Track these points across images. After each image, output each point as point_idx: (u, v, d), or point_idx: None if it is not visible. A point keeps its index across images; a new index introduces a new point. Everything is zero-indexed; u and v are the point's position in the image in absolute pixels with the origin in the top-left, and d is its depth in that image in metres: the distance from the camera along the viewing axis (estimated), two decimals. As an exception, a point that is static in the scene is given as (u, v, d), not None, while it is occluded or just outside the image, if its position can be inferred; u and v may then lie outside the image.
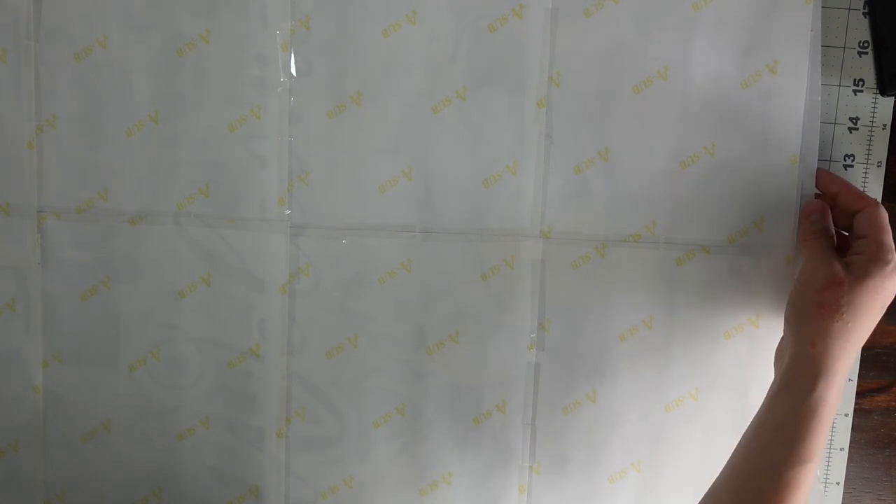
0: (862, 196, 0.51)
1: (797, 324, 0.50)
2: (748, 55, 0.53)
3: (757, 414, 0.50)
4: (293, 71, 0.53)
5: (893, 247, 0.49)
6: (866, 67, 0.54)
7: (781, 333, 0.53)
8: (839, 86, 0.54)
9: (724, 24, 0.53)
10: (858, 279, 0.48)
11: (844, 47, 0.54)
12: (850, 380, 0.57)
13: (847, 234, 0.53)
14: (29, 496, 0.57)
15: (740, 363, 0.55)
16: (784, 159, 0.53)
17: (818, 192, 0.54)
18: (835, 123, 0.55)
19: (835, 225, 0.52)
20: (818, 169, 0.54)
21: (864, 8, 0.54)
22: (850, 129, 0.55)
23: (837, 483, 0.58)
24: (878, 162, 0.55)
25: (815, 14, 0.52)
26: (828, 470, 0.58)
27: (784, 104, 0.53)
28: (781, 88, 0.53)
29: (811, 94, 0.53)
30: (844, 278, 0.48)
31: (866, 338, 0.49)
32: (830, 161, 0.55)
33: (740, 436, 0.50)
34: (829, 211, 0.52)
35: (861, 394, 0.57)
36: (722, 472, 0.49)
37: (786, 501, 0.46)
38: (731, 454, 0.50)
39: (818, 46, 0.53)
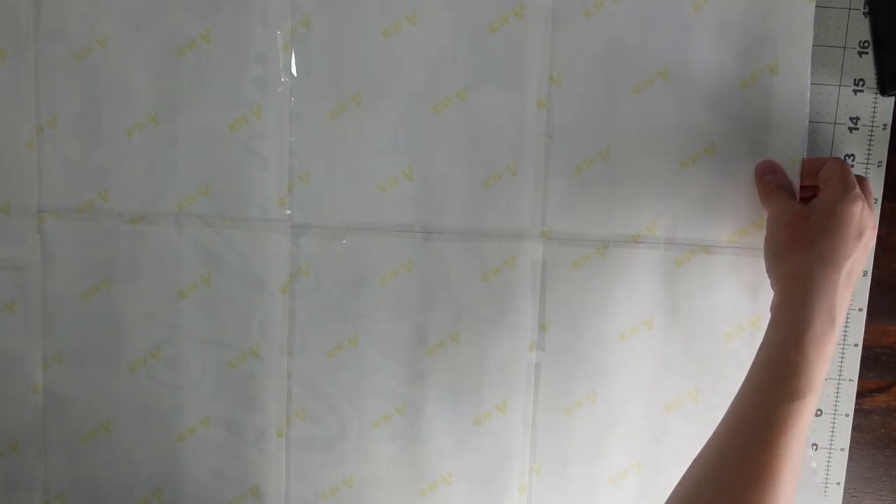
0: (821, 158, 0.52)
1: (775, 265, 0.49)
2: (748, 55, 0.53)
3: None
4: (294, 71, 0.53)
5: (856, 185, 0.48)
6: (866, 67, 0.54)
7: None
8: (839, 86, 0.54)
9: (725, 23, 0.53)
10: (824, 211, 0.47)
11: (844, 47, 0.54)
12: (850, 380, 0.57)
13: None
14: (28, 497, 0.57)
15: (740, 363, 0.55)
16: (784, 159, 0.53)
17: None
18: (835, 123, 0.55)
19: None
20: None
21: (864, 8, 0.54)
22: (850, 129, 0.55)
23: (838, 483, 0.58)
24: (879, 162, 0.55)
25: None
26: (828, 470, 0.58)
27: (785, 104, 0.53)
28: (782, 88, 0.53)
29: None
30: (810, 213, 0.48)
31: (849, 266, 0.47)
32: (831, 161, 0.55)
33: None
34: (781, 168, 0.53)
35: (861, 394, 0.57)
36: (719, 424, 0.48)
37: (777, 440, 0.44)
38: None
39: (811, 45, 0.53)
